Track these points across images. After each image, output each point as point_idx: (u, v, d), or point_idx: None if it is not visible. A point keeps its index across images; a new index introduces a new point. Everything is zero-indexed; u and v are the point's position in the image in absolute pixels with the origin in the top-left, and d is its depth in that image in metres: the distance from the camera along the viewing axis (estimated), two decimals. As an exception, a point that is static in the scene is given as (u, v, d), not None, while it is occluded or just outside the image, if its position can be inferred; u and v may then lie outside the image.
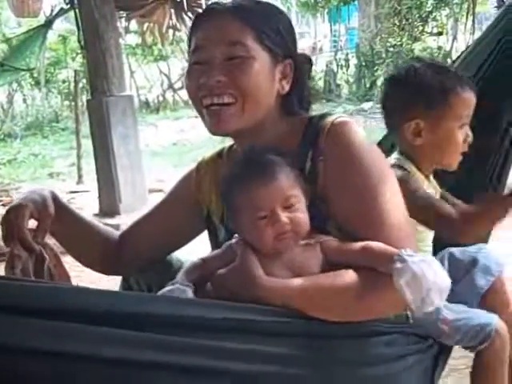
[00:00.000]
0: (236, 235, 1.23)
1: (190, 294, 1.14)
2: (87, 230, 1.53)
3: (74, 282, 3.60)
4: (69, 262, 4.05)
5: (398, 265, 1.08)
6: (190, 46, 1.32)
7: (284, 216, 1.15)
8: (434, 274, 1.07)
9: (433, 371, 1.38)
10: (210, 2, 1.40)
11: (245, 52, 1.24)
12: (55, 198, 1.43)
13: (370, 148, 1.25)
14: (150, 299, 1.08)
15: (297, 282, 1.13)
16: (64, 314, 0.90)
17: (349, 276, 1.13)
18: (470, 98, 1.53)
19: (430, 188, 1.54)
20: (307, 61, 1.37)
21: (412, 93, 1.52)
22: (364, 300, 1.13)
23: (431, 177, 1.59)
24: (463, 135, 1.53)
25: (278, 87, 1.29)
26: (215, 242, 1.45)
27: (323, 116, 1.29)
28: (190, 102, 1.34)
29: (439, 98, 1.50)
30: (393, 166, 1.48)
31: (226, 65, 1.24)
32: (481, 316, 1.44)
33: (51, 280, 1.33)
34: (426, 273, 1.06)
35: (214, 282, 1.18)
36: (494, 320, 1.42)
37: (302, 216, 1.18)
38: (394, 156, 1.57)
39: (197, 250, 1.68)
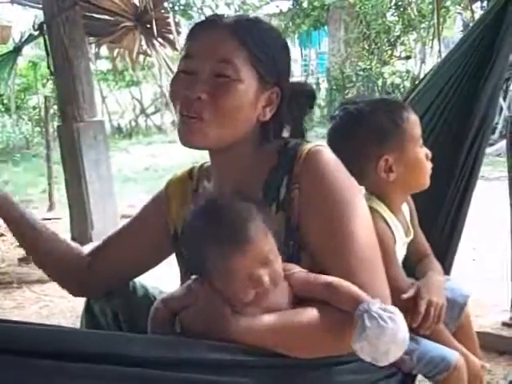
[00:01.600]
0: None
1: None
2: (53, 240, 1.49)
3: (44, 311, 3.53)
4: (36, 292, 3.97)
5: (356, 328, 1.06)
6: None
7: (265, 275, 1.12)
8: (393, 335, 1.05)
9: None
10: (192, 22, 1.38)
11: (233, 73, 1.21)
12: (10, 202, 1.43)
13: (344, 179, 1.24)
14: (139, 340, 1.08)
15: (265, 320, 1.12)
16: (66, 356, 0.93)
17: (316, 314, 1.13)
18: (415, 118, 1.55)
19: (399, 224, 1.53)
20: (306, 91, 1.37)
21: (366, 135, 1.50)
22: (329, 338, 1.14)
23: (403, 206, 1.58)
24: (424, 154, 1.54)
25: (259, 114, 1.27)
26: (182, 263, 1.43)
27: (299, 143, 1.28)
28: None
29: (392, 128, 1.50)
30: None
31: (211, 81, 1.22)
32: (442, 349, 1.45)
33: None
34: (381, 338, 1.05)
35: (182, 323, 1.17)
36: (454, 355, 1.43)
37: (278, 267, 1.15)
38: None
39: (162, 275, 1.67)
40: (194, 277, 1.20)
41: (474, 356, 1.53)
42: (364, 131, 1.51)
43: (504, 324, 2.57)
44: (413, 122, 1.53)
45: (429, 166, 1.55)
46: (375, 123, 1.51)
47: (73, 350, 0.94)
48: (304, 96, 1.36)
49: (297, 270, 1.19)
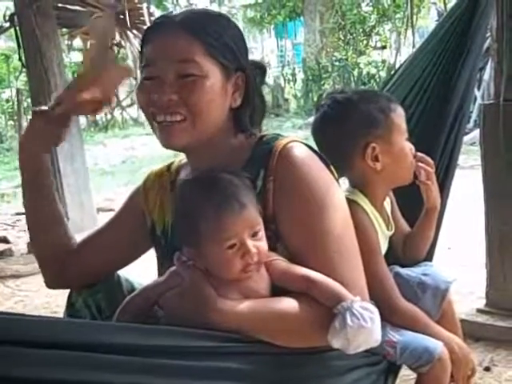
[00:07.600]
0: (177, 257, 1.20)
1: None
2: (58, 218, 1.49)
3: (18, 306, 3.49)
4: (11, 287, 3.92)
5: (337, 324, 1.09)
6: (141, 61, 1.30)
7: (252, 246, 1.13)
8: (370, 335, 1.09)
9: None
10: (158, 16, 1.37)
11: (197, 70, 1.22)
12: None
13: (319, 174, 1.25)
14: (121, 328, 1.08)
15: (248, 305, 1.13)
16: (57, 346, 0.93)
17: (297, 304, 1.14)
18: (402, 111, 1.56)
19: (380, 219, 1.53)
20: (260, 68, 1.36)
21: (355, 122, 1.51)
22: (308, 329, 1.15)
23: (385, 201, 1.59)
24: (408, 148, 1.55)
25: (231, 101, 1.28)
26: (159, 254, 1.43)
27: (275, 138, 1.29)
28: (143, 116, 1.32)
29: (380, 116, 1.51)
30: None
31: (177, 82, 1.22)
32: (426, 340, 1.46)
33: None
34: (359, 337, 1.08)
35: (164, 307, 1.16)
36: (438, 346, 1.44)
37: (265, 244, 1.16)
38: (345, 190, 1.53)
39: (148, 270, 1.66)
40: (178, 259, 1.19)
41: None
42: (353, 119, 1.52)
43: (479, 311, 2.60)
44: (400, 113, 1.55)
45: (413, 161, 1.55)
46: (364, 111, 1.52)
47: (41, 339, 0.93)
48: (258, 69, 1.36)
49: (276, 258, 1.19)
